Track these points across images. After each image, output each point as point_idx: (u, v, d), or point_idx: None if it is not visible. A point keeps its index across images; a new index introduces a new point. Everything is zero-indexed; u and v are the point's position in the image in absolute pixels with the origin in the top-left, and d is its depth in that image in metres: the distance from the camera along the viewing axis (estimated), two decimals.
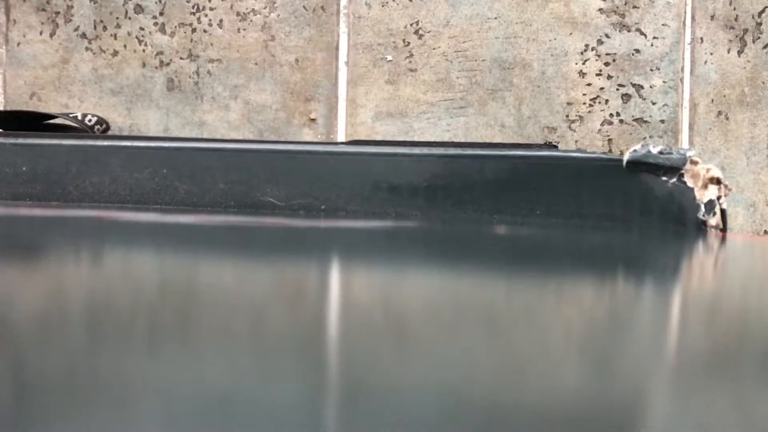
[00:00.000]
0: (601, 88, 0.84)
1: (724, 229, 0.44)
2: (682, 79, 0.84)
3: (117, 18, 0.92)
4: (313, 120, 0.88)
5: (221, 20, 0.90)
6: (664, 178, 0.44)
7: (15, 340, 0.18)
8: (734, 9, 0.83)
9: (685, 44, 0.84)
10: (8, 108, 0.93)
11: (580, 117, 0.84)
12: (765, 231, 0.82)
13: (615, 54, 0.84)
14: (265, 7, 0.89)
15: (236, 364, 0.17)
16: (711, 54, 0.84)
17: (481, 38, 0.86)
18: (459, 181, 0.47)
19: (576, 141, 0.85)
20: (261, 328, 0.20)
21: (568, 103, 0.84)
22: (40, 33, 0.93)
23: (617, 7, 0.84)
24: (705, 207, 0.44)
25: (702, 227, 0.44)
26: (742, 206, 0.82)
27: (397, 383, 0.15)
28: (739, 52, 0.83)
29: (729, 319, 0.23)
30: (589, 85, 0.84)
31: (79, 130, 0.84)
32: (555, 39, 0.85)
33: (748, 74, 0.82)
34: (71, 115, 0.85)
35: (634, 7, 0.84)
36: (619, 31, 0.84)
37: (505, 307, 0.24)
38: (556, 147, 0.73)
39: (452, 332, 0.20)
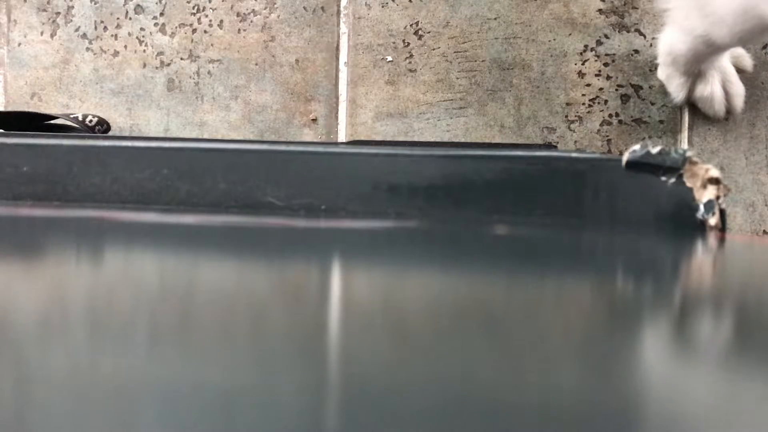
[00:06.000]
0: (600, 89, 0.84)
1: (723, 229, 0.44)
2: None
3: (117, 18, 0.92)
4: (313, 120, 0.88)
5: (221, 21, 0.90)
6: (663, 179, 0.44)
7: (15, 342, 0.19)
8: None
9: None
10: (9, 108, 0.93)
11: (580, 117, 0.84)
12: (764, 231, 0.83)
13: (614, 54, 0.84)
14: (265, 8, 0.90)
15: (237, 364, 0.17)
16: None
17: (480, 39, 0.86)
18: (459, 181, 0.47)
19: (575, 141, 0.85)
20: (263, 328, 0.20)
21: (568, 104, 0.85)
22: (41, 33, 0.93)
23: (616, 8, 0.84)
24: (704, 207, 0.44)
25: (701, 227, 0.44)
26: (741, 206, 0.83)
27: (398, 383, 0.15)
28: None
29: (730, 318, 0.24)
30: (588, 85, 0.84)
31: (80, 130, 0.84)
32: (554, 39, 0.85)
33: (747, 75, 0.82)
34: (72, 116, 0.85)
35: (633, 7, 0.84)
36: (618, 31, 0.84)
37: (506, 307, 0.24)
38: (555, 147, 0.73)
39: (454, 332, 0.20)
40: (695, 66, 0.78)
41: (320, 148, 0.50)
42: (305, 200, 0.48)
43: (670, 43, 0.77)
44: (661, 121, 0.84)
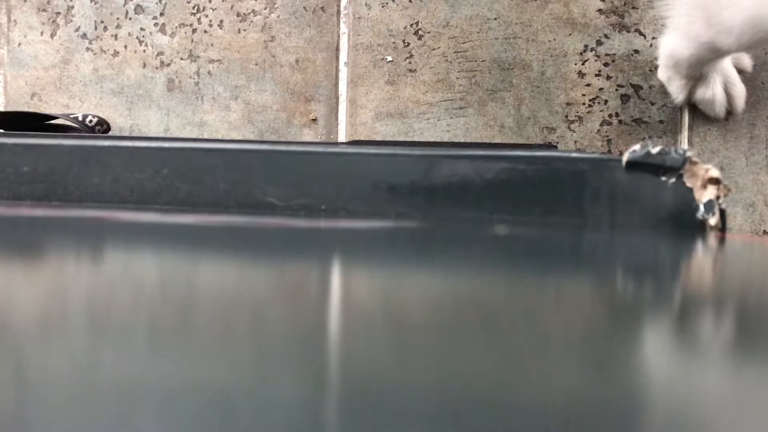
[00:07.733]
0: (600, 89, 0.84)
1: (723, 229, 0.44)
2: None
3: (117, 18, 0.92)
4: (313, 120, 0.88)
5: (221, 21, 0.90)
6: (663, 179, 0.44)
7: (15, 341, 0.19)
8: None
9: None
10: (9, 108, 0.93)
11: (580, 117, 0.84)
12: (764, 231, 0.83)
13: (614, 54, 0.84)
14: (265, 8, 0.90)
15: (237, 364, 0.17)
16: None
17: (480, 39, 0.86)
18: (459, 181, 0.47)
19: (575, 141, 0.85)
20: (263, 328, 0.20)
21: (568, 104, 0.85)
22: (41, 33, 0.93)
23: (616, 8, 0.84)
24: (704, 207, 0.44)
25: (701, 227, 0.44)
26: (741, 206, 0.83)
27: (398, 383, 0.15)
28: None
29: (730, 318, 0.24)
30: (588, 85, 0.84)
31: (80, 130, 0.84)
32: (554, 39, 0.85)
33: (747, 75, 0.82)
34: (72, 116, 0.85)
35: (633, 8, 0.84)
36: (619, 31, 0.84)
37: (506, 307, 0.24)
38: (555, 147, 0.73)
39: (454, 332, 0.20)
40: (697, 69, 0.78)
41: (320, 148, 0.50)
42: (305, 200, 0.48)
43: (673, 47, 0.77)
44: (661, 121, 0.84)
